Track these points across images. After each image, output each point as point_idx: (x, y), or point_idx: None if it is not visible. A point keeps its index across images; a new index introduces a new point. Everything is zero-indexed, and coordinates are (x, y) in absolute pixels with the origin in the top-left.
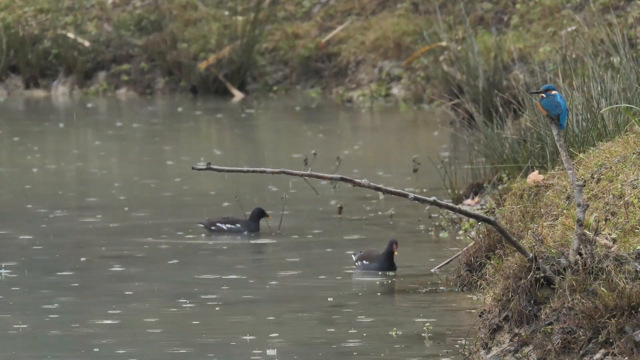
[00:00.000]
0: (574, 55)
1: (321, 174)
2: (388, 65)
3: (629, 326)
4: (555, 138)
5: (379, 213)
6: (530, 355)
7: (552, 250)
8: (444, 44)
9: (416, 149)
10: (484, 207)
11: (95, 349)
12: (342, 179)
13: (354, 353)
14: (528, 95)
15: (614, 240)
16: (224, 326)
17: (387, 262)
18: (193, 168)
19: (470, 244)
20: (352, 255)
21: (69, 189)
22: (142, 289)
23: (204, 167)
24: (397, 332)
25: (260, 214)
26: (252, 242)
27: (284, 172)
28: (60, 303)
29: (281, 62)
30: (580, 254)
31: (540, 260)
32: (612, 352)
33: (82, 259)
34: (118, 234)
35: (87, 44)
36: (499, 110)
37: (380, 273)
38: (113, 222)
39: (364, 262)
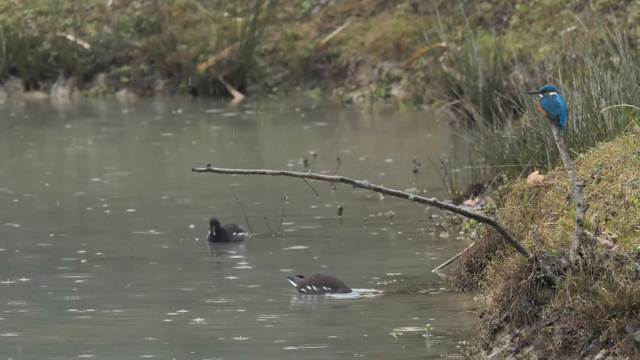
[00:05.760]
0: (573, 55)
1: (321, 175)
2: (388, 66)
3: (629, 326)
4: (555, 138)
5: (379, 214)
6: (531, 356)
7: (553, 251)
8: (443, 44)
9: (416, 150)
10: (484, 207)
11: (94, 350)
12: (342, 180)
13: (354, 353)
14: (527, 96)
15: (615, 240)
16: (223, 327)
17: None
18: (193, 169)
19: (471, 245)
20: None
21: (68, 190)
22: (141, 290)
23: (204, 168)
24: (398, 333)
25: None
26: (252, 243)
27: (283, 174)
28: (60, 303)
29: (281, 64)
30: (580, 254)
31: (541, 260)
32: (613, 352)
33: (83, 260)
34: (117, 236)
35: (86, 46)
36: (499, 111)
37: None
38: (112, 224)
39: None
